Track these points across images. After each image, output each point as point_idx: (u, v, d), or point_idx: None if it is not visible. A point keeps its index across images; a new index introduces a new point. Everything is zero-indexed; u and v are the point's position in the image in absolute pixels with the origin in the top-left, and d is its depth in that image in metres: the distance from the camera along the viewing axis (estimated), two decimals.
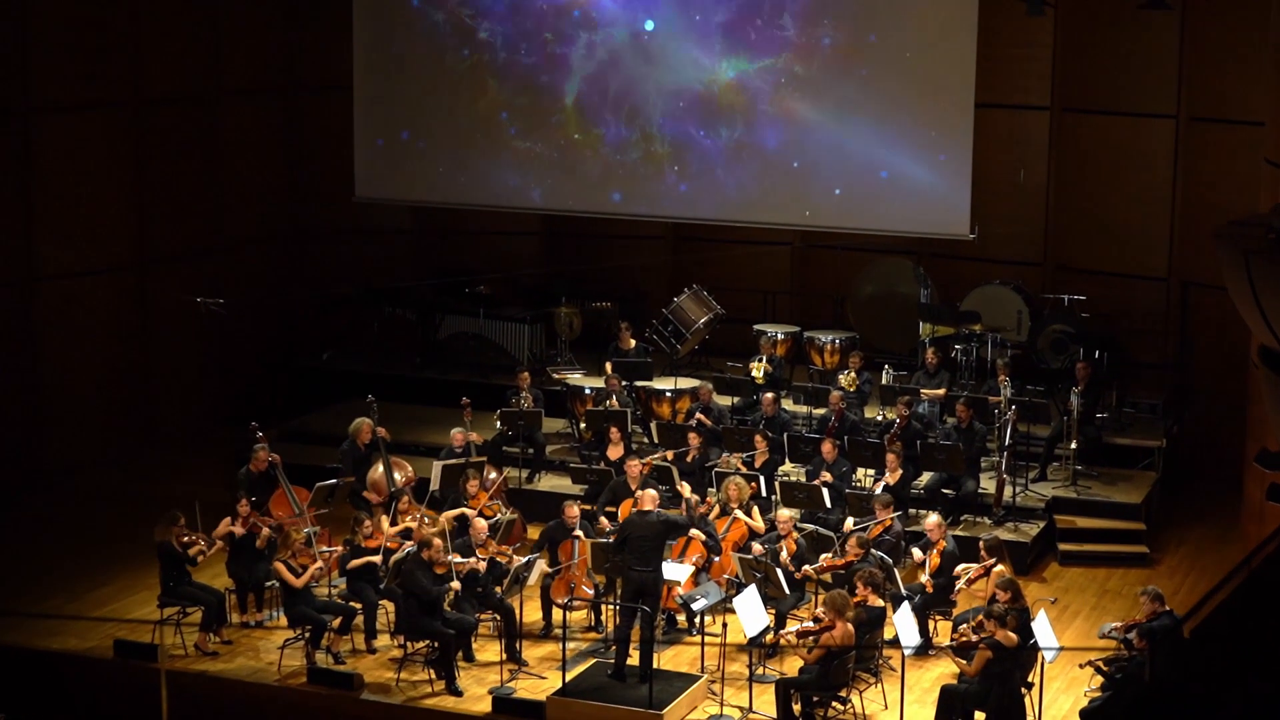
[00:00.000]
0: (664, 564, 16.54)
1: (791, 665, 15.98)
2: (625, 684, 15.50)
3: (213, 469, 21.46)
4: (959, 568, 16.44)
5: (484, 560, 16.44)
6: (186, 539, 16.72)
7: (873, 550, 16.62)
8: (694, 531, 17.20)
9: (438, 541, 16.06)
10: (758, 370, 21.05)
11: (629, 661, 15.70)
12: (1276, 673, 9.45)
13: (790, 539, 16.79)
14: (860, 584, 15.61)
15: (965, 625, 15.12)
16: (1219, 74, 21.50)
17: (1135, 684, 14.59)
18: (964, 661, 14.83)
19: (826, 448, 18.69)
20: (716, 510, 17.72)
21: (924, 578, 16.58)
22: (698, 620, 16.77)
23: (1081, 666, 15.68)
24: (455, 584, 16.01)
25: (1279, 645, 9.87)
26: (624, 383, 20.85)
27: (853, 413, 20.09)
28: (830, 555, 16.87)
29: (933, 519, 17.01)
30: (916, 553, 16.88)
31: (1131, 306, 22.24)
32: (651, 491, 16.41)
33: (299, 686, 16.13)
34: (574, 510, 17.19)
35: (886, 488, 18.20)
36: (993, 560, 16.19)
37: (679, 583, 16.51)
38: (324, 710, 16.00)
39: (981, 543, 16.44)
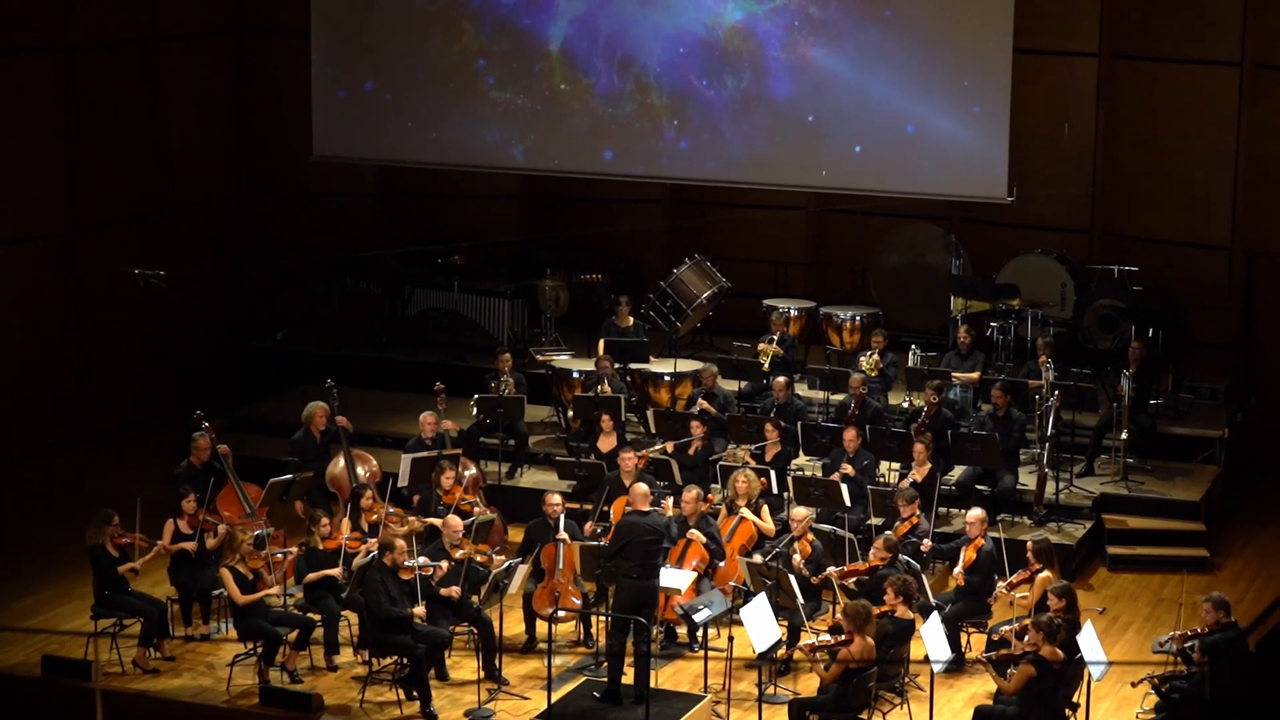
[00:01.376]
0: (663, 570, 16.58)
1: (807, 684, 16.00)
2: (620, 706, 15.51)
3: (153, 463, 21.47)
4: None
5: (450, 562, 16.43)
6: (125, 541, 16.74)
7: (901, 555, 16.63)
8: (694, 533, 17.22)
9: (400, 544, 16.06)
10: (765, 354, 21.05)
11: (624, 680, 15.72)
12: None
13: (805, 541, 16.79)
14: (890, 591, 15.60)
15: (1007, 629, 15.12)
16: None
17: (1194, 704, 14.64)
18: (1002, 679, 14.83)
19: (849, 436, 18.71)
20: (723, 510, 17.74)
21: (957, 571, 16.61)
22: (700, 633, 16.79)
23: (1134, 685, 15.70)
24: (419, 609, 15.96)
25: None
26: (617, 365, 20.86)
27: (875, 399, 20.12)
28: (851, 562, 16.90)
29: (976, 512, 16.97)
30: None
31: (1190, 278, 22.27)
32: (642, 486, 16.31)
33: (250, 708, 16.12)
34: (554, 500, 17.11)
35: (913, 483, 18.24)
36: (1039, 565, 16.20)
37: (679, 591, 16.53)
38: None
39: (1030, 544, 16.41)
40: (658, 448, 19.08)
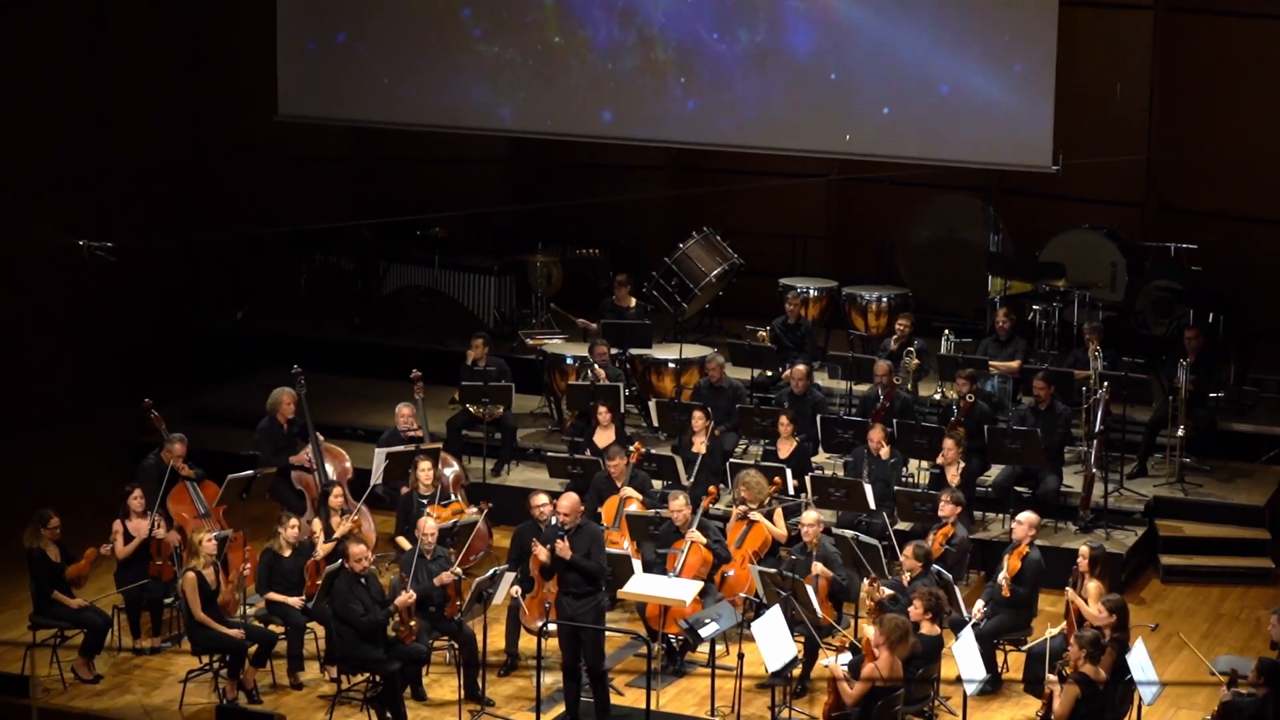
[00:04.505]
0: (663, 580, 16.66)
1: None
2: None
3: (98, 456, 21.56)
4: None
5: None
6: (77, 569, 16.81)
7: (932, 566, 16.67)
8: (693, 534, 17.27)
9: (362, 548, 16.15)
10: (763, 339, 21.24)
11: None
12: None
13: (824, 580, 16.65)
14: (919, 604, 15.65)
15: (1073, 650, 15.06)
16: None
17: None
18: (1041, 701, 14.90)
19: (875, 437, 18.75)
20: (733, 514, 17.79)
21: (1001, 578, 16.62)
22: (707, 650, 16.86)
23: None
24: (404, 597, 16.08)
25: None
26: (614, 350, 20.91)
27: (905, 391, 20.16)
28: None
29: (1028, 515, 16.96)
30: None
31: (1255, 257, 22.35)
32: (572, 496, 16.40)
33: None
34: (541, 500, 17.06)
35: (946, 485, 18.29)
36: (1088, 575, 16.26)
37: (684, 603, 16.58)
38: None
39: (1085, 550, 16.41)
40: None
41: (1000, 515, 18.89)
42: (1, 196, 22.34)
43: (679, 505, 17.40)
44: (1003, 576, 16.67)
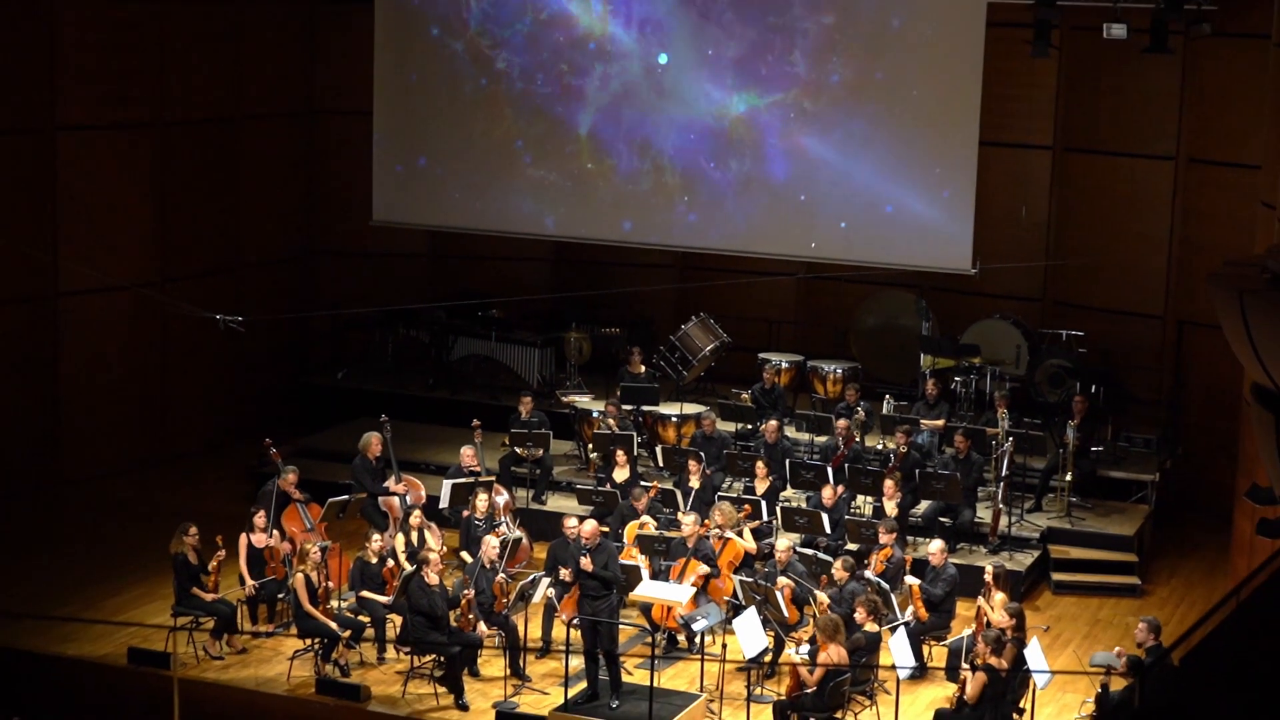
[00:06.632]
0: (665, 585, 16.63)
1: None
2: (599, 702, 15.60)
3: (227, 482, 21.55)
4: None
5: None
6: (212, 568, 16.80)
7: (867, 575, 16.64)
8: (694, 561, 17.27)
9: (435, 557, 16.21)
10: (745, 401, 21.21)
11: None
12: (1263, 699, 9.50)
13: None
14: (862, 610, 15.65)
15: (981, 646, 15.00)
16: (1217, 117, 21.59)
17: (1126, 710, 14.63)
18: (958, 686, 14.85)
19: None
20: (714, 531, 17.75)
21: (916, 606, 16.59)
22: (698, 640, 16.81)
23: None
24: (469, 593, 16.05)
25: (1266, 673, 9.90)
26: (624, 408, 20.87)
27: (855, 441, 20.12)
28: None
29: (936, 544, 17.02)
30: (911, 580, 16.90)
31: (1128, 343, 22.29)
32: (592, 523, 16.50)
33: (307, 697, 16.18)
34: (572, 523, 16.85)
35: (885, 516, 18.24)
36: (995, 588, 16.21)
37: (680, 603, 16.55)
38: None
39: (990, 569, 16.39)
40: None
41: (928, 540, 18.85)
42: (159, 280, 22.40)
43: (691, 523, 17.41)
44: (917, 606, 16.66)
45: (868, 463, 19.76)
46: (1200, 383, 21.66)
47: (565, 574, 16.22)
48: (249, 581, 17.18)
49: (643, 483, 18.93)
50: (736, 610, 16.26)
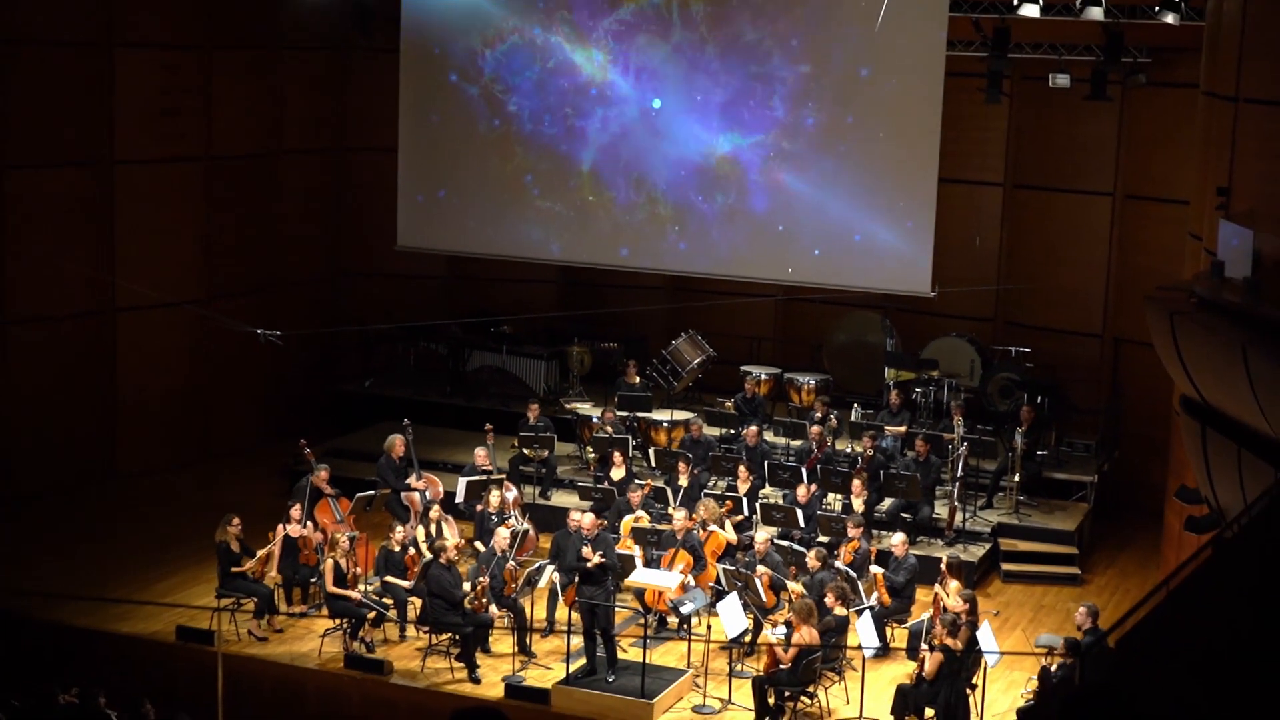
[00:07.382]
0: (657, 572, 16.66)
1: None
2: (597, 676, 15.63)
3: (265, 478, 21.58)
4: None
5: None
6: (261, 556, 16.83)
7: (837, 564, 16.69)
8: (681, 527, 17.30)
9: (451, 545, 16.25)
10: (728, 408, 21.24)
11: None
12: (1190, 677, 9.57)
13: (765, 579, 16.56)
14: (831, 595, 15.69)
15: (938, 629, 15.04)
16: (1151, 158, 21.68)
17: (1067, 687, 14.67)
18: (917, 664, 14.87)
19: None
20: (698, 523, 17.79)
21: (880, 592, 16.63)
22: (686, 622, 16.85)
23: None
24: (484, 580, 16.07)
25: (1193, 654, 9.98)
26: (620, 413, 20.91)
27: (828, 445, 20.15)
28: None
29: (898, 537, 17.08)
30: (875, 569, 16.95)
31: (1070, 359, 22.35)
32: (590, 515, 16.53)
33: (336, 670, 16.22)
34: (575, 516, 16.82)
35: (853, 512, 18.27)
36: (951, 577, 16.23)
37: (670, 589, 16.59)
38: (357, 692, 16.08)
39: (945, 560, 16.45)
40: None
41: (890, 533, 18.88)
42: (205, 298, 22.44)
43: (681, 518, 17.45)
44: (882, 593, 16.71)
45: (838, 464, 19.81)
46: (1135, 394, 21.72)
47: (591, 557, 16.03)
48: (274, 567, 17.17)
49: (637, 481, 18.96)
50: (720, 595, 16.29)
